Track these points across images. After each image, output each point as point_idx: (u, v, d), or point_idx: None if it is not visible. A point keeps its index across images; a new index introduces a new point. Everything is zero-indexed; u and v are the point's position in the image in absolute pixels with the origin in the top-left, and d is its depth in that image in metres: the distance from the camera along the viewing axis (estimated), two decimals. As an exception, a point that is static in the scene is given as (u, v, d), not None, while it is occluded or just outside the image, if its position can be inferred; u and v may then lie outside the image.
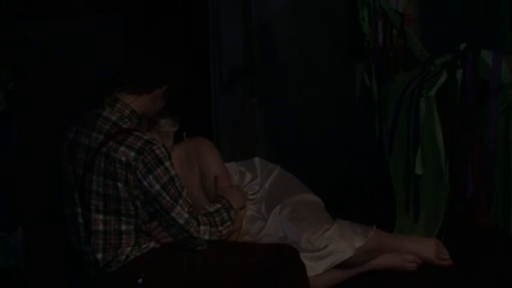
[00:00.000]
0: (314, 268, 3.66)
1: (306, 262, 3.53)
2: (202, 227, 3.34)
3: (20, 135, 3.87)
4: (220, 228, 3.41)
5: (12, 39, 3.78)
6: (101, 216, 3.32)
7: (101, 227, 3.33)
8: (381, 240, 3.83)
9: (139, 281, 3.32)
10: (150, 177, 3.27)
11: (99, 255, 3.34)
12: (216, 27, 5.03)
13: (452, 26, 4.72)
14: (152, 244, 3.38)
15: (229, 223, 3.45)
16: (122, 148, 3.28)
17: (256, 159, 4.00)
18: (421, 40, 4.31)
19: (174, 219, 3.30)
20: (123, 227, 3.33)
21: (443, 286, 3.86)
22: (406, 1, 4.30)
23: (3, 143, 4.02)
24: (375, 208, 4.44)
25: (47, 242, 3.80)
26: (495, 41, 4.53)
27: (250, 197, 3.87)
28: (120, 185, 3.27)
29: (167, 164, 3.30)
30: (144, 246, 3.37)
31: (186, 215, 3.31)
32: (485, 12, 4.77)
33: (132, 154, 3.26)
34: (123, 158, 3.27)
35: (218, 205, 3.48)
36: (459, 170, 3.99)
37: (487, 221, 4.00)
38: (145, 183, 3.27)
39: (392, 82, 4.16)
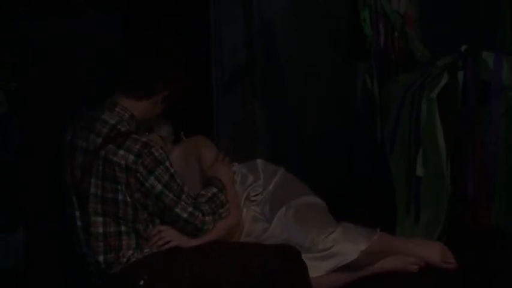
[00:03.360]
0: (317, 269, 3.67)
1: (309, 263, 3.55)
2: (207, 218, 3.40)
3: (20, 136, 3.85)
4: (221, 210, 3.48)
5: (12, 39, 3.76)
6: (100, 219, 3.34)
7: (100, 230, 3.34)
8: (385, 243, 3.83)
9: (141, 283, 3.33)
10: (152, 178, 3.30)
11: (101, 258, 3.36)
12: (217, 28, 5.02)
13: (453, 27, 4.72)
14: (154, 248, 3.40)
15: (227, 205, 3.52)
16: (121, 152, 3.30)
17: (259, 161, 4.00)
18: (421, 41, 4.31)
19: (178, 215, 3.36)
20: (123, 228, 3.35)
21: (444, 287, 3.87)
22: (408, 2, 4.29)
23: (3, 144, 4.01)
24: (375, 208, 4.44)
25: (47, 242, 3.78)
26: (495, 41, 4.52)
27: (253, 198, 3.87)
28: (120, 187, 3.29)
29: (167, 163, 3.34)
30: (146, 250, 3.39)
31: (190, 209, 3.37)
32: (485, 12, 4.77)
33: (131, 157, 3.29)
34: (123, 162, 3.29)
35: (214, 189, 3.52)
36: (460, 171, 4.00)
37: (488, 222, 4.01)
38: (147, 184, 3.30)
39: (394, 83, 4.17)
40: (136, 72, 3.42)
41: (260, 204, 3.88)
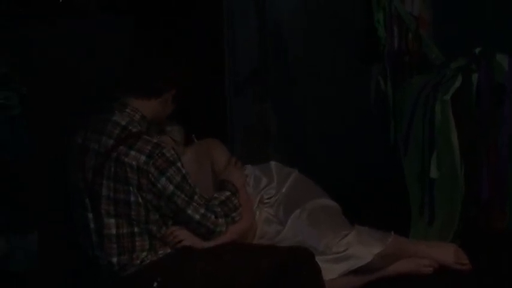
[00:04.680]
0: (330, 271, 3.66)
1: (322, 265, 3.55)
2: (220, 220, 3.40)
3: (30, 138, 3.84)
4: (234, 214, 3.47)
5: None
6: (112, 220, 3.34)
7: (113, 231, 3.34)
8: (399, 246, 3.83)
9: (155, 285, 3.33)
10: (163, 179, 3.30)
11: (114, 259, 3.35)
12: (231, 29, 5.01)
13: (465, 28, 4.72)
14: (168, 249, 3.40)
15: (240, 209, 3.51)
16: (132, 153, 3.30)
17: (272, 163, 4.00)
18: (434, 42, 4.31)
19: (190, 216, 3.35)
20: (136, 229, 3.34)
21: (457, 289, 3.88)
22: (421, 4, 4.29)
23: (14, 145, 4.00)
24: (380, 209, 4.44)
25: (58, 244, 3.77)
26: (502, 41, 4.52)
27: (266, 200, 3.87)
28: (132, 188, 3.29)
29: (178, 164, 3.34)
30: (160, 252, 3.38)
31: (202, 210, 3.36)
32: (494, 13, 4.77)
33: (143, 158, 3.29)
34: (134, 163, 3.29)
35: (227, 193, 3.52)
36: (474, 173, 3.99)
37: (502, 225, 4.00)
38: (159, 185, 3.30)
39: (408, 85, 4.16)
40: (141, 72, 3.42)
41: (274, 206, 3.88)
